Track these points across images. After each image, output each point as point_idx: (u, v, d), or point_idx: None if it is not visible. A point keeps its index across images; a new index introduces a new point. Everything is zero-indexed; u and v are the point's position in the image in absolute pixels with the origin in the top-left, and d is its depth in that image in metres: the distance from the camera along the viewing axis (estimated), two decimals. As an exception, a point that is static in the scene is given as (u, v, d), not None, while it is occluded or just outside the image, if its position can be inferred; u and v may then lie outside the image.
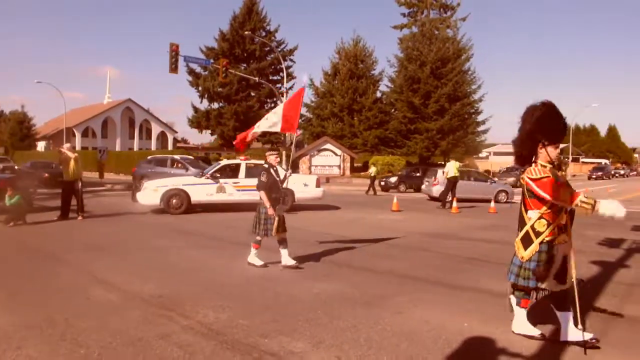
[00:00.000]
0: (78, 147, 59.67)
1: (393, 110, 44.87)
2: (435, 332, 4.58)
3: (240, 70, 45.09)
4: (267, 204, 7.20)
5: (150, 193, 14.19)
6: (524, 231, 4.36)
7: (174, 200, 14.16)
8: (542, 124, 4.21)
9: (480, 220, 14.34)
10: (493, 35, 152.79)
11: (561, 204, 4.12)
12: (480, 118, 43.80)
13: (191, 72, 48.60)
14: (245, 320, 4.80)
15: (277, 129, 8.03)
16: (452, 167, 17.50)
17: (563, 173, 4.39)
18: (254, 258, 7.36)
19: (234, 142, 8.81)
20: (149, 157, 25.41)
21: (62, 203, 12.68)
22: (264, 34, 49.20)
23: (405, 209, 16.44)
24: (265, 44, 45.97)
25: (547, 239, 4.20)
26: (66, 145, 13.46)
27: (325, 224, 12.79)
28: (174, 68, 25.29)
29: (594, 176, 55.54)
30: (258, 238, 7.30)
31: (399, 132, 41.87)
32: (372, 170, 27.26)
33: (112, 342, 4.17)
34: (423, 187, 23.95)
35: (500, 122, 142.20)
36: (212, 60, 38.17)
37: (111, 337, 4.30)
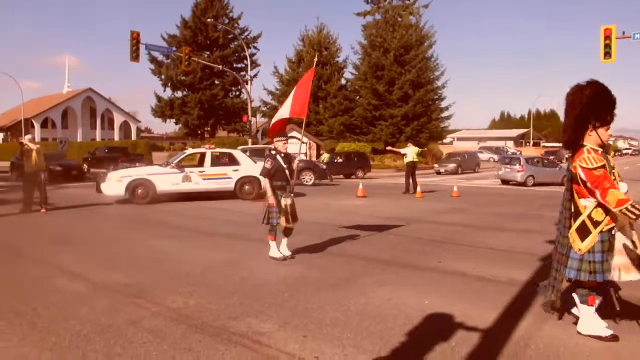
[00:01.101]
0: (38, 138, 57.86)
1: (358, 97, 45.26)
2: (397, 309, 4.81)
3: (204, 58, 44.59)
4: (268, 192, 7.02)
5: (115, 183, 14.07)
6: (579, 221, 3.94)
7: (139, 190, 14.07)
8: (593, 105, 3.85)
9: (443, 204, 14.73)
10: (456, 22, 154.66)
11: (606, 204, 3.74)
12: (443, 104, 44.68)
13: (153, 60, 47.87)
14: (213, 305, 4.93)
15: (286, 114, 7.80)
16: (410, 152, 17.82)
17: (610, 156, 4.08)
18: (274, 251, 7.05)
19: (268, 131, 8.44)
20: (241, 148, 23.59)
21: (25, 195, 12.46)
22: (227, 21, 48.74)
23: (370, 195, 16.72)
24: (228, 31, 45.56)
25: (606, 227, 3.86)
26: (27, 137, 13.21)
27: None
28: (135, 57, 24.87)
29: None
30: (273, 224, 7.03)
31: (364, 119, 42.27)
32: (324, 157, 28.17)
33: (82, 330, 4.25)
34: (500, 172, 24.72)
35: (463, 108, 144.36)
36: (174, 48, 37.67)
37: (81, 325, 4.37)
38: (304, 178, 21.24)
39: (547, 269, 4.60)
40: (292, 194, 7.12)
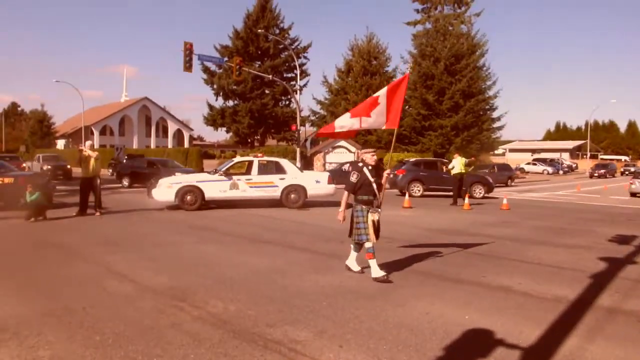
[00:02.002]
0: (96, 145, 60.37)
1: (407, 107, 44.88)
2: (436, 323, 4.74)
3: (255, 68, 45.40)
4: (342, 207, 6.61)
5: (165, 190, 14.48)
6: None
7: (188, 197, 14.44)
8: None
9: (491, 216, 14.40)
10: (509, 31, 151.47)
11: None
12: (495, 114, 43.72)
13: (206, 70, 49.08)
14: (252, 311, 5.01)
15: (382, 125, 7.42)
16: (458, 163, 17.54)
17: None
18: (376, 270, 6.45)
19: (320, 131, 8.18)
20: (412, 160, 23.61)
21: (81, 199, 13.02)
22: (277, 31, 49.49)
23: (417, 206, 16.54)
24: (278, 41, 46.21)
25: None
26: (87, 143, 13.82)
27: (334, 220, 12.88)
28: (188, 67, 25.59)
29: (595, 174, 49.68)
30: (368, 245, 6.48)
31: (413, 129, 41.88)
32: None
33: (125, 330, 4.41)
34: (634, 186, 24.70)
35: (516, 118, 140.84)
36: (226, 59, 38.52)
37: (125, 325, 4.53)
38: (474, 191, 20.55)
39: (595, 286, 4.46)
40: (379, 209, 6.62)
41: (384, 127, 7.55)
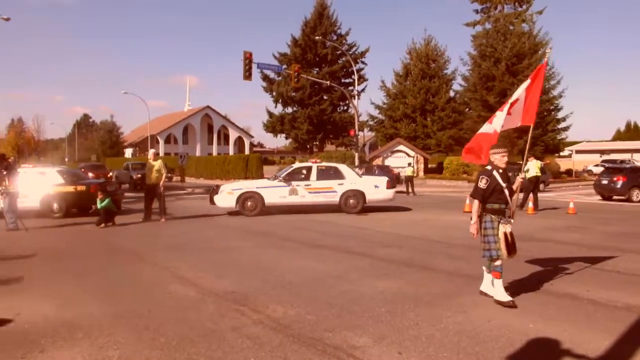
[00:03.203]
0: (161, 154, 62.89)
1: (467, 109, 43.90)
2: (498, 331, 4.60)
3: (313, 74, 45.78)
4: (473, 218, 5.76)
5: (226, 196, 14.83)
6: None
7: (249, 203, 14.72)
8: None
9: (557, 221, 13.83)
10: (573, 28, 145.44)
11: None
12: (560, 115, 41.97)
13: (265, 78, 49.90)
14: (311, 316, 5.03)
15: (517, 123, 6.72)
16: (533, 166, 16.96)
17: None
18: (500, 293, 5.55)
19: (465, 155, 6.82)
20: (632, 166, 22.39)
21: (145, 206, 13.55)
22: (335, 37, 49.68)
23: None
24: (336, 47, 46.43)
25: None
26: (151, 152, 14.40)
27: (393, 224, 12.85)
28: (248, 75, 26.16)
29: None
30: (496, 264, 5.60)
31: (473, 132, 40.76)
32: (408, 170, 26.71)
33: (188, 333, 4.53)
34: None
35: (583, 118, 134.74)
36: (284, 66, 39.07)
37: (188, 328, 4.67)
38: None
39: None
40: (511, 220, 5.70)
41: (519, 124, 6.82)
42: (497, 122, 6.48)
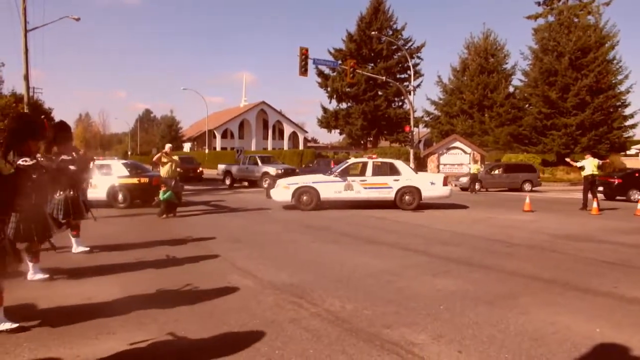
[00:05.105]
0: (218, 148, 64.42)
1: (527, 105, 42.55)
2: (562, 334, 4.47)
3: (368, 70, 45.59)
4: None
5: (282, 190, 15.04)
6: None
7: (304, 197, 14.87)
8: None
9: (623, 222, 13.22)
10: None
11: None
12: (627, 111, 39.97)
13: (320, 73, 50.13)
14: (368, 311, 5.06)
15: None
16: (589, 164, 16.24)
17: None
18: None
19: None
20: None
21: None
22: (390, 32, 49.29)
23: (538, 210, 15.65)
24: (392, 42, 46.06)
25: None
26: (167, 146, 13.83)
27: (450, 222, 12.66)
28: (303, 71, 26.36)
29: None
30: None
31: (533, 129, 39.57)
32: (474, 167, 26.63)
33: (249, 322, 4.66)
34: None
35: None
36: (340, 62, 39.06)
37: (249, 317, 4.79)
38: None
39: None
40: None
41: None
42: None
